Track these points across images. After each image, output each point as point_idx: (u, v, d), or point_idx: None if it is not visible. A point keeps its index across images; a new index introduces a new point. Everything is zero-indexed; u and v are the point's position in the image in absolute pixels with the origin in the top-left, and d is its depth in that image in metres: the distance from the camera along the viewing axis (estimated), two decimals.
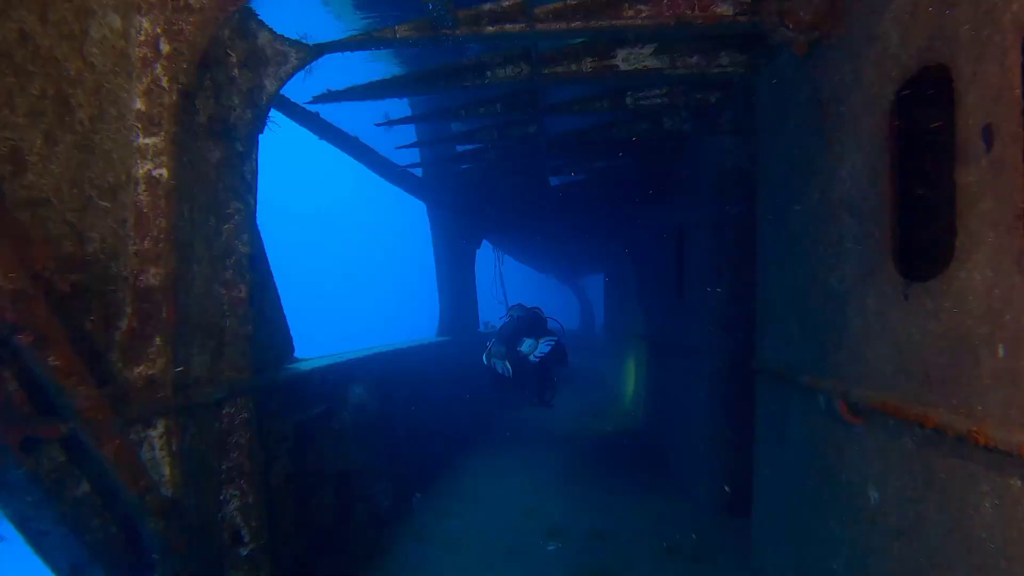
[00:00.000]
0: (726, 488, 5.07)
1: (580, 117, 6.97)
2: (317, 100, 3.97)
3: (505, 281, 13.77)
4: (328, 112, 5.23)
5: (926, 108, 2.56)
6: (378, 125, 4.82)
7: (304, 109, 4.34)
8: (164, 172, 2.56)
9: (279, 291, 3.74)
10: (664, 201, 7.27)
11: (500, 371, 5.82)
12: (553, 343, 5.83)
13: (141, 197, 2.53)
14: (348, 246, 66.74)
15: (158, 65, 2.54)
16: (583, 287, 25.00)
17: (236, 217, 3.23)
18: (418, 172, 7.04)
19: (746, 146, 5.20)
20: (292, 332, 3.95)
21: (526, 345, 5.88)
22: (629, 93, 4.77)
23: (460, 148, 6.70)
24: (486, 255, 13.04)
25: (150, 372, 2.52)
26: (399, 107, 5.85)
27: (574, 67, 4.00)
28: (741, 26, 3.12)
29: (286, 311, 3.84)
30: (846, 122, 2.71)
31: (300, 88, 4.29)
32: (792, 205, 3.37)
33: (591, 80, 4.14)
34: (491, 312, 11.97)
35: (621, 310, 13.21)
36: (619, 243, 11.54)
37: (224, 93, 3.19)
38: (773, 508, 3.56)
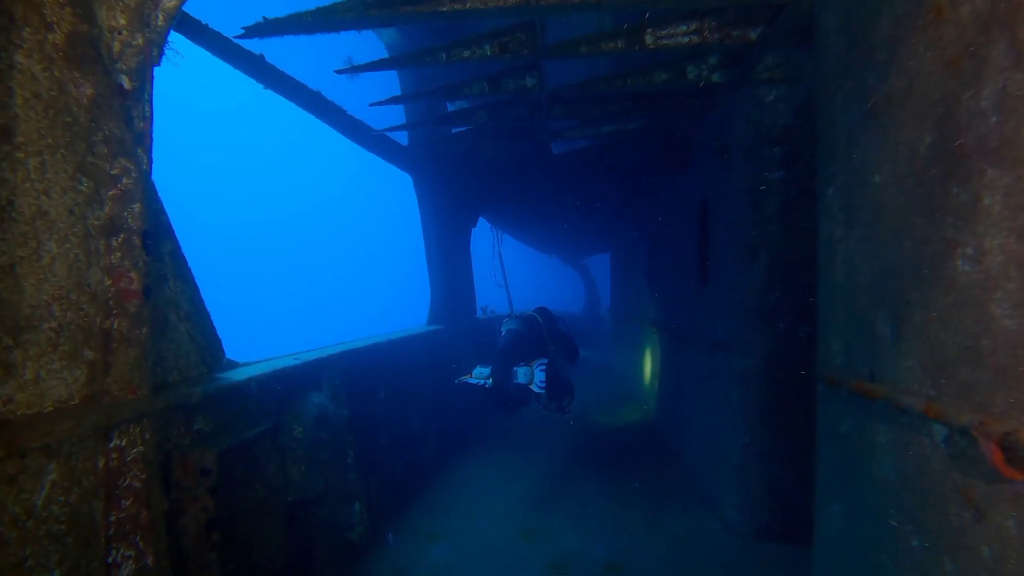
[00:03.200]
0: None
1: (588, 64, 6.02)
2: (251, 32, 3.07)
3: (506, 263, 12.86)
4: (283, 58, 4.34)
5: None
6: (339, 72, 3.91)
7: (243, 50, 3.44)
8: None
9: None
10: (684, 170, 6.36)
11: (481, 384, 5.01)
12: (545, 367, 5.03)
13: None
14: (341, 228, 66.00)
15: None
16: (588, 268, 24.03)
17: (124, 180, 2.37)
18: (396, 138, 6.10)
19: (790, 98, 4.29)
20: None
21: (521, 375, 5.11)
22: (650, 30, 3.85)
23: (450, 107, 5.79)
24: (484, 235, 12.16)
25: None
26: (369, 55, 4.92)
27: None
28: None
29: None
30: (993, 26, 1.82)
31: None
32: (878, 161, 2.49)
33: (602, 7, 3.23)
34: (490, 297, 11.13)
35: (631, 294, 12.35)
36: (629, 219, 10.63)
37: (102, 7, 2.31)
38: (848, 565, 2.73)
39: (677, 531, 4.63)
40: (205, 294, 2.88)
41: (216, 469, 2.69)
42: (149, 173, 2.43)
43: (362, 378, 4.74)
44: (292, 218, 62.63)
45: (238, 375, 3.09)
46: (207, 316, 2.89)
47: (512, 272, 13.57)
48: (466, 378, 5.07)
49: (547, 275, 40.38)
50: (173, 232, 2.65)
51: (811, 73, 4.09)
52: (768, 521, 4.30)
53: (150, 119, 2.43)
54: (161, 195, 2.64)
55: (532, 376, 5.03)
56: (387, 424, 5.25)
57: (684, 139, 6.13)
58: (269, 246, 59.37)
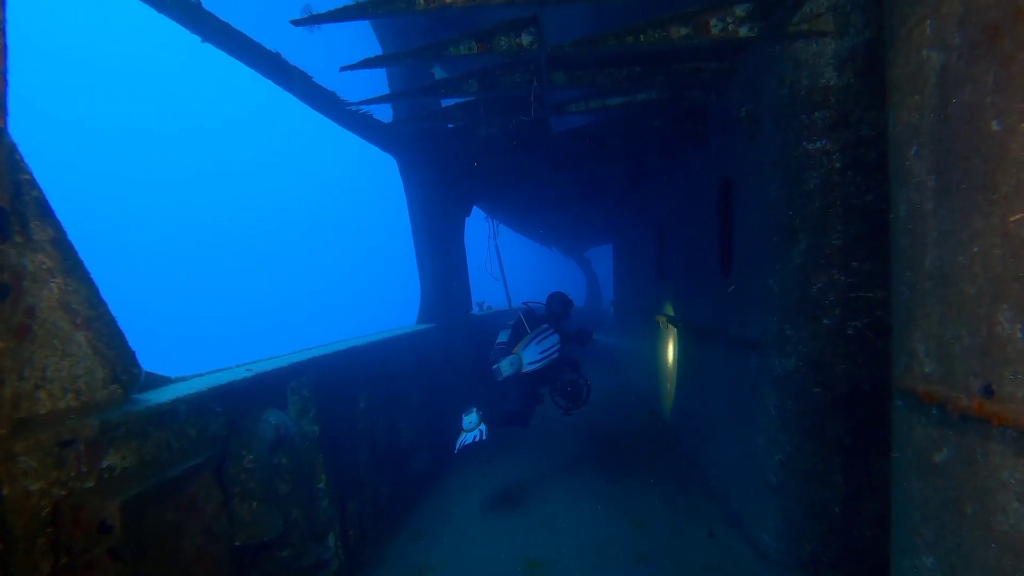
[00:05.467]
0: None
1: (594, 21, 5.37)
2: None
3: (503, 256, 12.22)
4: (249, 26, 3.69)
5: None
6: (295, 23, 3.25)
7: None
8: None
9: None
10: (701, 147, 5.70)
11: (476, 437, 4.77)
12: (542, 338, 4.85)
13: None
14: (339, 229, 65.32)
15: None
16: (589, 261, 23.38)
17: None
18: (380, 118, 5.44)
19: (835, 53, 3.64)
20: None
21: (507, 367, 4.82)
22: None
23: (437, 77, 5.13)
24: (480, 226, 11.52)
25: None
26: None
27: None
28: None
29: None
30: None
31: None
32: (1002, 101, 1.84)
33: None
34: (485, 292, 10.51)
35: (637, 287, 11.72)
36: (636, 205, 9.97)
37: None
38: None
39: (703, 560, 4.01)
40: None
41: (121, 523, 2.05)
42: (4, 129, 1.78)
43: (338, 387, 4.11)
44: (286, 224, 62.14)
45: (162, 396, 2.44)
46: (113, 322, 2.24)
47: (509, 266, 12.94)
48: (464, 436, 4.83)
49: (547, 268, 39.74)
50: (54, 214, 2.00)
51: (868, 19, 3.43)
52: (813, 551, 3.67)
53: (2, 53, 1.78)
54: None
55: (520, 362, 4.75)
56: (369, 438, 4.62)
57: (701, 111, 5.47)
58: (267, 252, 58.81)
